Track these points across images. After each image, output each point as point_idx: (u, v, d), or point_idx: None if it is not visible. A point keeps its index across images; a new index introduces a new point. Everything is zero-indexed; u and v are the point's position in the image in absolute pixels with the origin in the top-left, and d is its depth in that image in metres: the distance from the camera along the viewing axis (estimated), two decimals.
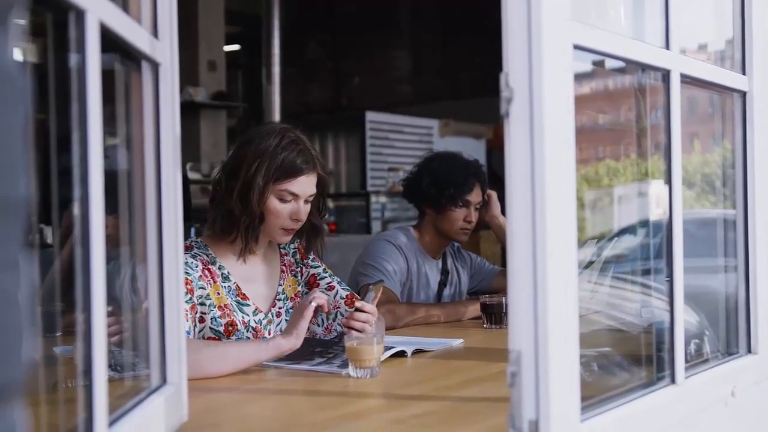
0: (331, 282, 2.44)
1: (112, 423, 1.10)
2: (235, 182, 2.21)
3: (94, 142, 1.01)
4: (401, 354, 2.14)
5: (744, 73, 1.81)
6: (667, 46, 1.52)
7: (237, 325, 2.22)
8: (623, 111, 2.06)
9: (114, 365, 1.33)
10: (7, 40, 0.56)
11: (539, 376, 1.17)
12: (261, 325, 2.29)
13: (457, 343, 2.37)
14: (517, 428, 1.19)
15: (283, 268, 2.41)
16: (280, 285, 2.39)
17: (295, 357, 2.06)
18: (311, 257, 2.47)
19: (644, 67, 1.56)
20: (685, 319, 1.57)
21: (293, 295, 2.41)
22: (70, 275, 1.05)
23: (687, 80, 1.58)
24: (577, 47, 1.25)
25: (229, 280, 2.26)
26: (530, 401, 1.18)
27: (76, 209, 1.01)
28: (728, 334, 1.87)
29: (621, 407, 1.38)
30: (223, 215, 2.24)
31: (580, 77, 1.29)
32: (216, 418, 1.59)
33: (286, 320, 2.35)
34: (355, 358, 1.89)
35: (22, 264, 0.56)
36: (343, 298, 2.39)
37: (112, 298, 1.09)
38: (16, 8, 0.58)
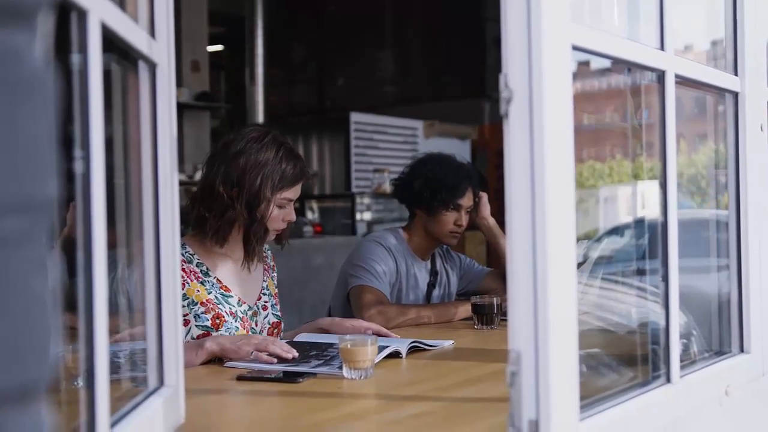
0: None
1: (112, 425, 1.09)
2: (236, 192, 2.27)
3: (96, 144, 1.00)
4: (395, 355, 2.14)
5: (736, 74, 1.82)
6: (662, 47, 1.53)
7: (224, 317, 2.28)
8: (608, 112, 2.07)
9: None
10: (34, 41, 0.55)
11: (539, 376, 1.18)
12: (247, 315, 2.36)
13: (448, 344, 2.38)
14: (516, 428, 1.19)
15: (265, 267, 2.51)
16: (264, 281, 2.47)
17: (289, 361, 2.05)
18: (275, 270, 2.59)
19: (640, 68, 1.57)
20: None
21: (274, 293, 2.51)
22: (65, 275, 1.04)
23: (680, 81, 1.59)
24: (575, 48, 1.26)
25: (210, 275, 2.32)
26: (530, 401, 1.18)
27: (78, 210, 1.00)
28: (721, 334, 1.89)
29: (618, 406, 1.39)
30: (227, 223, 2.29)
31: None
32: (213, 420, 1.59)
33: (273, 313, 2.46)
34: (349, 359, 1.88)
35: (49, 264, 0.56)
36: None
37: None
38: (44, 10, 0.58)
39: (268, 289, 2.48)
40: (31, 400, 0.53)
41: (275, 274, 2.57)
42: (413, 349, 2.23)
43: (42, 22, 0.58)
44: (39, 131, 0.55)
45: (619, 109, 1.91)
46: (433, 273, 3.18)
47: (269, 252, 2.56)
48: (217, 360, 2.13)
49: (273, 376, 1.91)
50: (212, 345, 2.09)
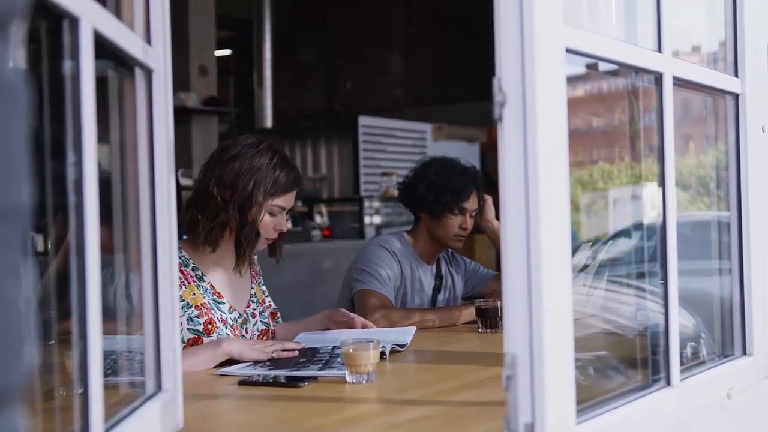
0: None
1: (107, 430, 1.10)
2: (229, 194, 2.30)
3: (88, 149, 1.01)
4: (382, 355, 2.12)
5: (737, 75, 1.82)
6: (660, 49, 1.53)
7: (216, 323, 2.31)
8: (617, 114, 2.07)
9: (108, 371, 1.32)
10: (7, 49, 0.56)
11: (535, 379, 1.17)
12: (237, 323, 2.38)
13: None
14: (512, 431, 1.19)
15: (253, 274, 2.54)
16: (252, 288, 2.50)
17: (284, 367, 2.04)
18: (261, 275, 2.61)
19: (637, 70, 1.57)
20: (680, 322, 1.57)
21: (261, 300, 2.53)
22: (63, 282, 1.05)
23: (679, 83, 1.59)
24: (569, 51, 1.26)
25: (204, 281, 2.35)
26: (526, 404, 1.18)
27: (71, 217, 1.00)
28: (723, 336, 1.88)
29: (616, 410, 1.38)
30: (219, 226, 2.32)
31: (573, 80, 1.29)
32: (211, 426, 1.59)
33: (261, 321, 2.48)
34: (351, 363, 1.88)
35: (23, 270, 0.57)
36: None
37: (106, 306, 1.09)
38: (18, 16, 0.58)
39: (255, 297, 2.51)
40: (5, 406, 0.54)
41: (261, 279, 2.59)
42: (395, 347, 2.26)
43: (15, 30, 0.58)
44: (12, 138, 0.56)
45: (628, 111, 1.91)
46: (438, 277, 3.17)
47: (255, 256, 2.58)
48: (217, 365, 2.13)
49: (274, 380, 1.91)
50: (229, 347, 2.12)
